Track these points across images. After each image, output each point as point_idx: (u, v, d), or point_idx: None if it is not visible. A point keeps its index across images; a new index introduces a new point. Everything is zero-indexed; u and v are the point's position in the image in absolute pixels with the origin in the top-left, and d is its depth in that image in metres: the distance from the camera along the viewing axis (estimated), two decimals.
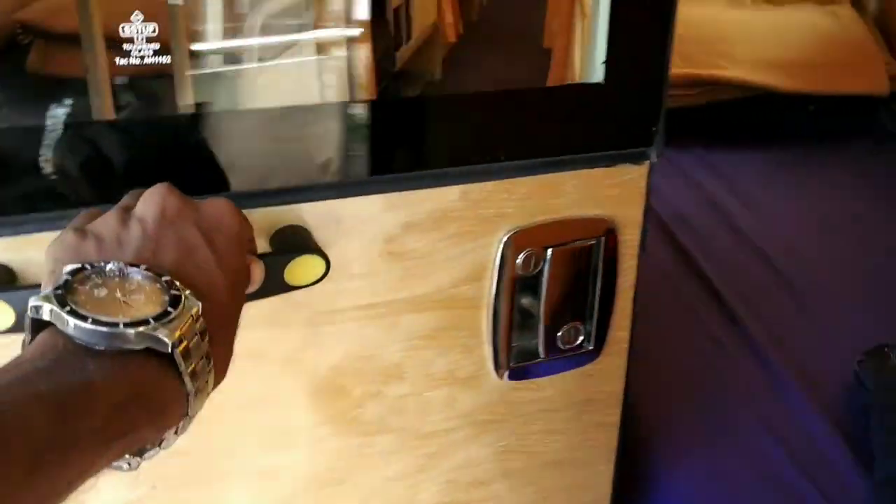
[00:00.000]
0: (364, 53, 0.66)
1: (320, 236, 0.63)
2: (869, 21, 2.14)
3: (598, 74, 0.68)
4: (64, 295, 0.42)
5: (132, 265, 0.45)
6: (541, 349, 0.77)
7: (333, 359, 0.69)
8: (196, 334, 0.44)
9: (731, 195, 1.61)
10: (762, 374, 1.07)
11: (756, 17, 2.15)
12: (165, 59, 0.55)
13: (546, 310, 0.74)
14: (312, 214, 0.63)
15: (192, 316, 0.44)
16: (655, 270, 1.28)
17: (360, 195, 0.64)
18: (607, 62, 0.68)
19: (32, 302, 0.42)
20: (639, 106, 0.71)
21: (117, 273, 0.45)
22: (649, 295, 1.21)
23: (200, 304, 0.45)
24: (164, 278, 0.45)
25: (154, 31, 0.54)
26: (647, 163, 0.73)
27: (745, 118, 1.96)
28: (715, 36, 2.03)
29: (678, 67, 1.94)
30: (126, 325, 0.41)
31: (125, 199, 0.52)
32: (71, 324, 0.41)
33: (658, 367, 1.07)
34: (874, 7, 2.25)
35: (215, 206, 0.51)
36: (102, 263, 0.45)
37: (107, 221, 0.49)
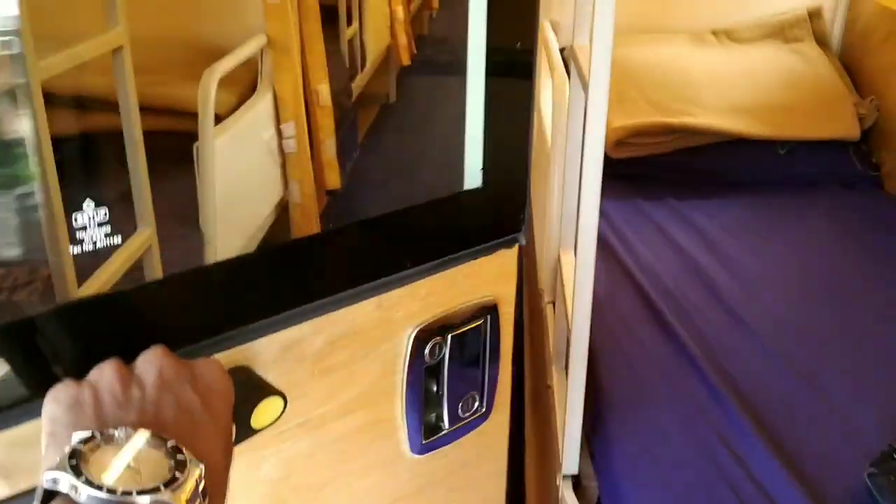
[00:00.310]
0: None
1: (260, 371, 0.67)
2: (833, 57, 2.16)
3: (477, 180, 0.78)
4: (78, 465, 0.44)
5: (138, 430, 0.47)
6: (446, 422, 0.86)
7: (273, 476, 0.73)
8: (198, 496, 0.47)
9: (708, 254, 1.58)
10: (757, 469, 1.04)
11: (722, 58, 2.13)
12: (117, 240, 0.57)
13: (449, 388, 0.83)
14: (250, 351, 0.67)
15: (196, 479, 0.47)
16: (636, 341, 1.30)
17: (292, 326, 0.68)
18: (484, 169, 0.78)
19: (49, 475, 0.44)
20: (510, 200, 0.82)
21: (125, 439, 0.47)
22: (636, 369, 1.25)
23: (203, 466, 0.48)
24: (169, 443, 0.47)
25: (105, 215, 0.55)
26: (517, 245, 0.84)
27: (716, 163, 1.94)
28: (682, 80, 2.00)
29: (648, 116, 1.92)
30: (139, 492, 0.44)
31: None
32: (84, 494, 0.43)
33: (648, 456, 1.06)
34: (837, 43, 2.27)
35: (207, 368, 0.54)
36: (111, 431, 0.47)
37: (105, 377, 0.50)
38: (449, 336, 0.81)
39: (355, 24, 2.84)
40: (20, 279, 0.84)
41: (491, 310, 0.84)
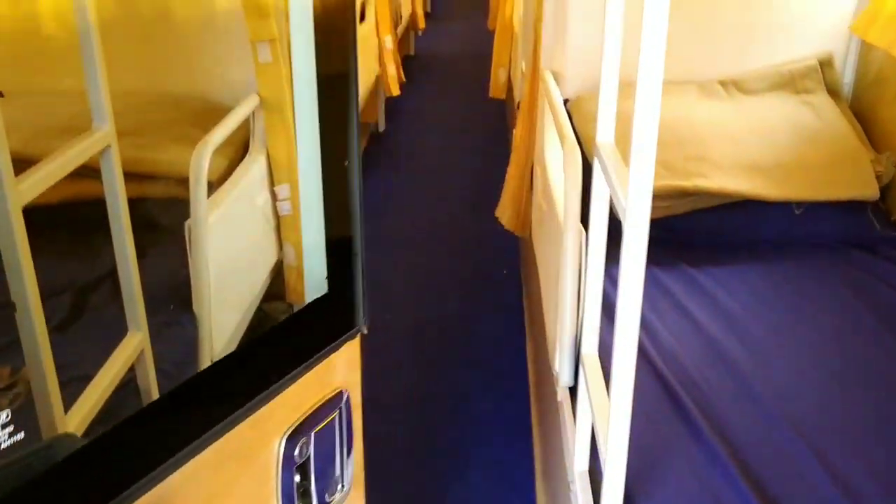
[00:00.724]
0: None
1: None
2: (846, 110, 2.12)
3: (323, 288, 0.90)
4: None
5: None
6: None
7: None
8: None
9: (730, 334, 1.52)
10: None
11: (732, 112, 2.09)
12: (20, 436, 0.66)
13: (316, 479, 0.93)
14: (150, 498, 0.74)
15: None
16: (661, 439, 1.26)
17: (185, 463, 0.77)
18: (328, 277, 0.89)
19: None
20: (350, 300, 0.93)
21: None
22: (660, 470, 1.21)
23: None
24: None
25: (7, 416, 0.63)
26: (360, 334, 0.95)
27: (730, 223, 1.90)
28: (692, 138, 1.95)
29: (661, 179, 1.87)
30: None
31: None
32: None
33: None
34: (848, 92, 2.24)
35: None
36: None
37: None
38: (312, 434, 0.91)
39: None
40: (2, 380, 0.96)
41: (344, 399, 0.94)
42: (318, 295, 0.89)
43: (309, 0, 0.84)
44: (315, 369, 0.89)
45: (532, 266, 2.49)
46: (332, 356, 0.91)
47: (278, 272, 2.35)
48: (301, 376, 0.88)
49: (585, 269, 1.53)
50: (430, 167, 4.49)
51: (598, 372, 1.29)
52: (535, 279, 2.33)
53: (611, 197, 1.18)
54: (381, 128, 4.94)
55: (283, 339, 0.88)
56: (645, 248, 0.96)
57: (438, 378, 2.62)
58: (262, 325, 2.64)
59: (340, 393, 0.93)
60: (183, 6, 1.53)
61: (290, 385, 0.87)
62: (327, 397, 0.92)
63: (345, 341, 0.92)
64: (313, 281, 0.89)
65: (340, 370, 0.93)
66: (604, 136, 1.22)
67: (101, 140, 1.13)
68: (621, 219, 1.01)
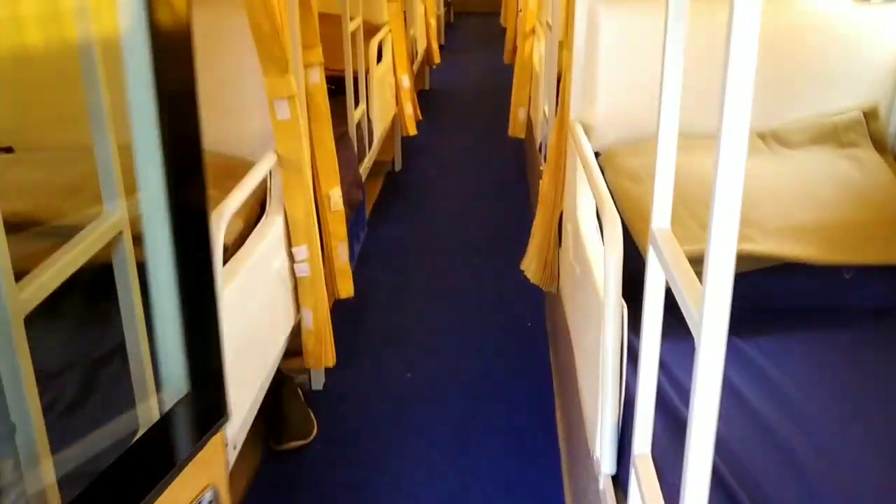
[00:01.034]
0: None
1: None
2: (891, 161, 2.05)
3: (186, 387, 0.91)
4: None
5: None
6: None
7: None
8: None
9: (778, 412, 1.45)
10: None
11: (774, 168, 2.02)
12: None
13: None
14: None
15: None
16: None
17: None
18: (189, 376, 0.91)
19: None
20: (214, 397, 0.95)
21: None
22: None
23: None
24: None
25: None
26: (223, 429, 0.97)
27: (775, 288, 1.81)
28: None
29: (702, 241, 1.85)
30: None
31: None
32: None
33: None
34: (893, 143, 2.15)
35: None
36: None
37: None
38: None
39: (363, 104, 2.93)
40: (4, 475, 0.90)
41: (214, 496, 0.95)
42: (180, 397, 0.91)
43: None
44: (183, 472, 0.90)
45: (560, 321, 2.40)
46: (199, 455, 0.92)
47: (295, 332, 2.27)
48: (170, 484, 0.87)
49: (628, 348, 1.43)
50: (448, 207, 4.45)
51: (653, 478, 1.20)
52: (564, 335, 2.25)
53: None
54: (398, 167, 4.91)
55: (150, 448, 0.89)
56: (721, 372, 0.92)
57: (462, 440, 2.53)
58: (278, 385, 2.55)
59: (210, 490, 0.94)
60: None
61: (160, 495, 0.86)
62: (197, 498, 0.93)
63: (210, 436, 0.93)
64: (173, 383, 0.90)
65: (207, 467, 0.93)
66: (660, 221, 1.14)
67: (112, 228, 1.04)
68: (693, 332, 0.93)
